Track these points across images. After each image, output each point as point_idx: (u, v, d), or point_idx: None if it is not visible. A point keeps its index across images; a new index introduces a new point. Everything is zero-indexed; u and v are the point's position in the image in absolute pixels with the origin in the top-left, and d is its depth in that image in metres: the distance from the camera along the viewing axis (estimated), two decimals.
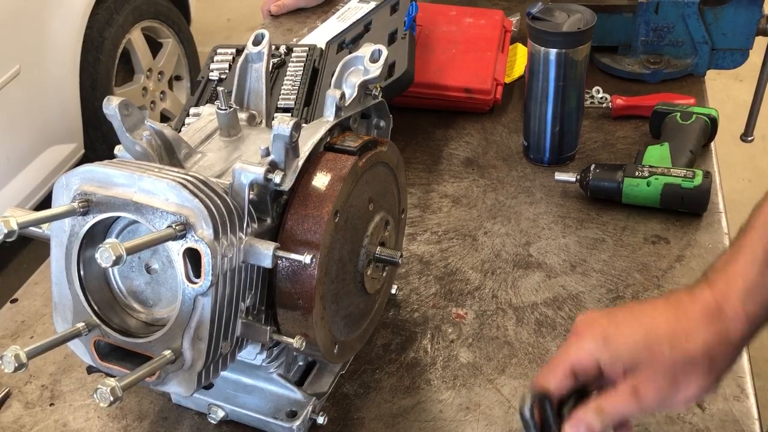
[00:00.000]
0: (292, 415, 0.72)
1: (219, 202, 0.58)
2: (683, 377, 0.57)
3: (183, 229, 0.55)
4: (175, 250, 0.56)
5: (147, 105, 2.56)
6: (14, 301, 0.91)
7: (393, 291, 0.86)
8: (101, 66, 2.32)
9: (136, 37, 2.48)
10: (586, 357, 0.59)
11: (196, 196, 0.56)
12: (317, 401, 0.73)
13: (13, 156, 2.11)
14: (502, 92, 1.21)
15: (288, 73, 1.24)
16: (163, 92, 2.65)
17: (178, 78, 2.77)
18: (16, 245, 2.37)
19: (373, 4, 1.42)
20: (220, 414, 0.73)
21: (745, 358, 0.74)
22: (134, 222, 0.60)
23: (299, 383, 0.75)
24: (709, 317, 0.57)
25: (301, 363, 0.77)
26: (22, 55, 2.06)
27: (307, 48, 1.29)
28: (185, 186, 0.57)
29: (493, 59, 1.23)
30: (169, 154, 0.68)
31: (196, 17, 2.94)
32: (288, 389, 0.73)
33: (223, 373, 0.75)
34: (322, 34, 1.42)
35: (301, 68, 1.24)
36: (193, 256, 0.57)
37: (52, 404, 0.78)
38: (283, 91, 1.20)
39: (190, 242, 0.56)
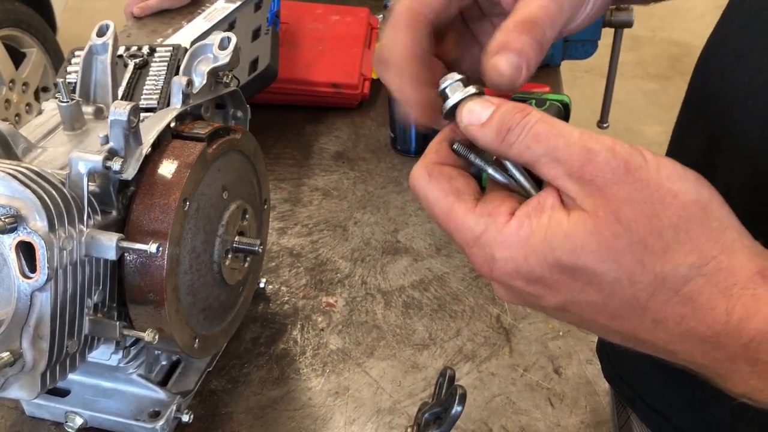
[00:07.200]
0: (155, 415, 0.69)
1: (54, 192, 0.55)
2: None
3: (14, 222, 0.52)
4: (7, 244, 0.53)
5: (11, 118, 2.42)
6: None
7: (261, 285, 0.85)
8: None
9: None
10: None
11: (28, 186, 0.53)
12: (182, 400, 0.71)
13: None
14: (369, 87, 1.23)
15: (151, 73, 1.21)
16: (29, 104, 2.52)
17: (45, 89, 2.63)
18: None
19: (239, 3, 1.41)
20: (78, 421, 0.70)
21: None
22: None
23: (163, 383, 0.73)
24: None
25: (164, 362, 0.75)
26: None
27: (171, 48, 1.26)
28: (15, 177, 0.54)
29: (359, 55, 1.24)
30: (6, 150, 0.64)
31: (64, 28, 2.82)
32: (150, 389, 0.71)
33: (81, 379, 0.72)
34: (187, 34, 1.39)
35: (165, 68, 1.21)
36: (27, 251, 0.54)
37: None
38: (145, 91, 1.17)
39: (22, 235, 0.53)
